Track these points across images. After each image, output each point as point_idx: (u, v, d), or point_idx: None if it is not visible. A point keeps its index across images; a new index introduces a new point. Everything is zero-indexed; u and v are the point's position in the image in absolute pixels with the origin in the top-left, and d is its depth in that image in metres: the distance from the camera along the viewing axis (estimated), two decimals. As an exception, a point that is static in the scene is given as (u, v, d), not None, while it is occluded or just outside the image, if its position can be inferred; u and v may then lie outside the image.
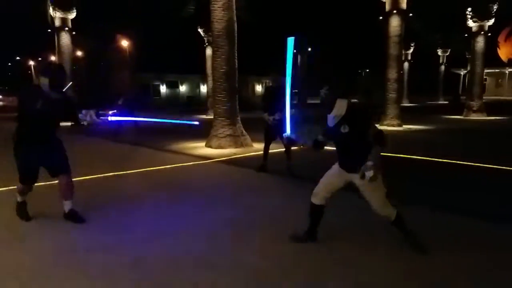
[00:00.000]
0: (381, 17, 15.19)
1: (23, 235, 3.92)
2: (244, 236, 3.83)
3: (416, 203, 4.69)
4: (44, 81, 3.80)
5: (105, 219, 4.37)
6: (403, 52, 34.66)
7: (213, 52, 9.75)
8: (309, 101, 30.78)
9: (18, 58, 46.67)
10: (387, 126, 14.38)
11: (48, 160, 4.01)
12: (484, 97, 20.05)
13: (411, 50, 34.66)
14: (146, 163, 7.61)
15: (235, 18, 9.69)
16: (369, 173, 2.86)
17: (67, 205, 4.18)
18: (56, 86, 3.84)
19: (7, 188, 5.49)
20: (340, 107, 3.14)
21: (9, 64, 54.80)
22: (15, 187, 4.27)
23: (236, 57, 9.86)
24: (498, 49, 40.61)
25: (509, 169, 6.68)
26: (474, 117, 18.60)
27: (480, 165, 7.09)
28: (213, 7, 9.45)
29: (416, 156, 8.13)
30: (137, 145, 10.22)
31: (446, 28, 29.50)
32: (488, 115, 18.77)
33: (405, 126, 14.47)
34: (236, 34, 9.78)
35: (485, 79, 49.29)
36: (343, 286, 2.89)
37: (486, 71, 48.25)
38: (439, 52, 36.15)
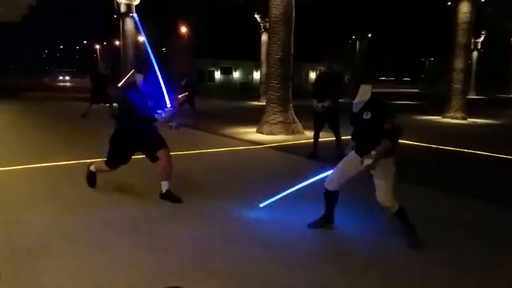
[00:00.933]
0: (449, 3, 14.09)
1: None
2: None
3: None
4: (139, 77, 4.06)
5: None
6: (473, 40, 32.19)
7: (269, 38, 9.77)
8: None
9: (85, 42, 49.93)
10: (451, 119, 13.57)
11: (145, 146, 4.27)
12: None
13: (482, 38, 31.96)
14: (201, 145, 7.86)
15: (293, 4, 9.58)
16: (368, 161, 3.03)
17: (164, 186, 4.30)
18: (149, 82, 4.05)
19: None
20: (364, 92, 3.20)
21: (77, 47, 58.93)
22: (92, 162, 4.67)
23: (292, 44, 9.79)
24: None
25: None
26: (552, 112, 16.90)
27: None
28: (272, -8, 9.40)
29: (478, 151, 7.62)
30: (192, 128, 10.60)
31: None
32: None
33: (470, 120, 13.53)
34: (293, 20, 9.68)
35: None
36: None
37: None
38: (513, 41, 33.01)
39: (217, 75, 42.07)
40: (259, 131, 10.06)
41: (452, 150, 8.02)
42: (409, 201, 4.05)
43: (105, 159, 4.37)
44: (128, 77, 15.58)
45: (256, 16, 21.78)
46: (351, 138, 3.47)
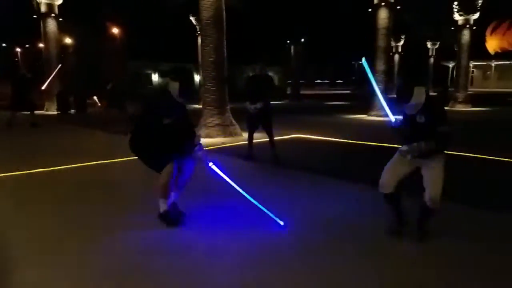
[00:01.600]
0: (370, 9, 15.25)
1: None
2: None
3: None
4: (174, 86, 3.55)
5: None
6: (394, 44, 35.10)
7: (202, 40, 9.84)
8: (302, 92, 30.98)
9: (4, 45, 45.65)
10: (375, 117, 14.63)
11: None
12: (471, 89, 20.52)
13: (402, 42, 34.95)
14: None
15: (223, 7, 9.74)
16: (404, 147, 3.19)
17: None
18: (185, 92, 3.59)
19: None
20: (419, 95, 3.14)
21: (-5, 51, 53.66)
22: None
23: (225, 46, 9.92)
24: (485, 42, 41.24)
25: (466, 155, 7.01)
26: (460, 108, 19.00)
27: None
28: (202, -5, 9.49)
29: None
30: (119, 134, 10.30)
31: (435, 21, 29.76)
32: (473, 106, 19.22)
33: (395, 117, 14.71)
34: (224, 23, 9.83)
35: (473, 72, 50.08)
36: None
37: (473, 63, 49.13)
38: (429, 44, 36.53)
39: (155, 78, 40.89)
40: (196, 134, 10.06)
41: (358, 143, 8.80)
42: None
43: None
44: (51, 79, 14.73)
45: (192, 18, 21.65)
46: (405, 139, 3.30)
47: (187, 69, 3.84)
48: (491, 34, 41.31)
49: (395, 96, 3.28)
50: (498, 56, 42.98)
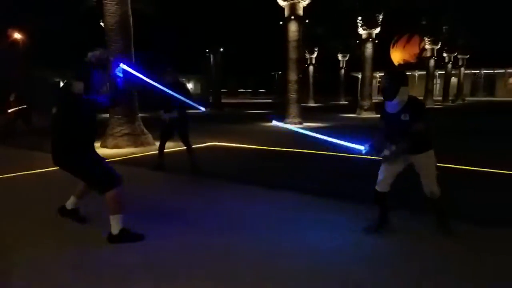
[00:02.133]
0: (281, 22, 15.97)
1: None
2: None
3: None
4: (79, 86, 3.43)
5: None
6: (308, 56, 37.25)
7: (107, 47, 9.34)
8: (224, 101, 31.27)
9: None
10: (290, 124, 15.23)
11: None
12: (379, 98, 22.48)
13: (315, 54, 37.19)
14: (32, 166, 6.99)
15: (130, 12, 9.43)
16: (386, 152, 3.38)
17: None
18: (90, 91, 3.47)
19: None
20: (403, 94, 3.35)
21: None
22: None
23: (132, 53, 9.58)
24: (392, 53, 46.04)
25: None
26: (365, 115, 20.76)
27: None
28: (105, 0, 9.07)
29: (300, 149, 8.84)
30: (23, 148, 9.36)
31: (344, 35, 32.28)
32: (377, 113, 21.05)
33: (305, 124, 15.51)
34: (131, 30, 9.51)
35: (379, 82, 55.25)
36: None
37: (380, 74, 53.99)
38: (340, 56, 39.41)
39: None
40: (103, 145, 9.51)
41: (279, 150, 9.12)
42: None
43: None
44: None
45: (102, 24, 20.51)
46: (378, 133, 3.60)
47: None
48: (393, 47, 46.27)
49: (382, 93, 3.44)
50: (401, 67, 48.13)
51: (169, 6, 20.92)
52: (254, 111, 25.63)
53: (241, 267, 3.07)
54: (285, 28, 15.40)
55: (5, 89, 12.65)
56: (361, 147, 3.62)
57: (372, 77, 22.65)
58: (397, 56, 46.51)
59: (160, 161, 6.79)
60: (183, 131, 6.53)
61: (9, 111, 11.82)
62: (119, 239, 3.47)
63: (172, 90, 6.39)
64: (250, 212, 4.44)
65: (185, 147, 6.64)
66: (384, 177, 3.61)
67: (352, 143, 3.68)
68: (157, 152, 6.97)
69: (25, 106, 11.94)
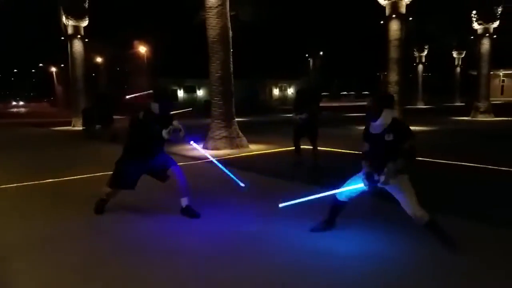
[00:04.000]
0: (382, 22, 15.31)
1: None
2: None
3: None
4: (154, 106, 4.33)
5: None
6: (418, 54, 34.64)
7: (209, 57, 10.26)
8: (325, 105, 31.10)
9: (41, 65, 48.71)
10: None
11: (151, 169, 4.48)
12: (501, 99, 19.95)
13: (425, 52, 34.40)
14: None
15: (229, 25, 10.20)
16: (382, 178, 3.35)
17: (183, 201, 4.53)
18: (164, 111, 4.36)
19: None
20: (387, 116, 3.40)
21: (33, 70, 57.27)
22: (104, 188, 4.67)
23: (231, 62, 10.36)
24: None
25: (476, 166, 6.99)
26: (481, 118, 18.51)
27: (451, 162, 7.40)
28: (208, 14, 10.01)
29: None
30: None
31: (459, 31, 29.22)
32: (496, 116, 18.62)
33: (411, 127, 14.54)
34: (230, 41, 10.28)
35: (503, 81, 48.15)
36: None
37: (503, 72, 47.26)
38: (454, 54, 35.69)
39: (180, 93, 42.29)
40: (205, 147, 10.43)
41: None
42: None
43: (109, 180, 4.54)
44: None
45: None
46: (364, 157, 3.59)
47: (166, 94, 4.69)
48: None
49: (366, 114, 3.50)
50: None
51: (270, 14, 21.75)
52: (353, 114, 24.90)
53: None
54: (386, 27, 14.74)
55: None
56: (361, 185, 3.53)
57: (490, 76, 20.02)
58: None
59: (298, 158, 7.51)
60: (313, 133, 7.27)
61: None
62: None
63: (304, 96, 7.45)
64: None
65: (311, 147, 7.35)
66: (345, 191, 3.64)
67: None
68: (250, 153, 7.60)
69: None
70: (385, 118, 3.37)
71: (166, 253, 3.54)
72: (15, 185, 6.34)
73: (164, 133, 4.17)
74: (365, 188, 3.51)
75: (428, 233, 3.44)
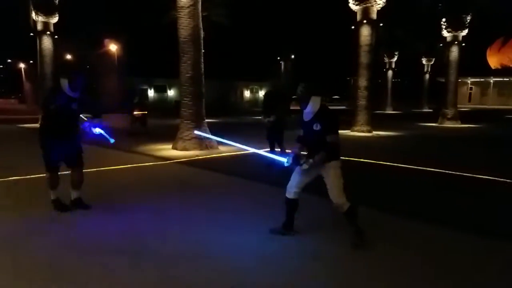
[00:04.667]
0: (353, 27, 15.60)
1: None
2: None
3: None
4: (63, 83, 4.29)
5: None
6: (388, 60, 35.51)
7: (179, 57, 10.10)
8: (295, 108, 31.35)
9: (9, 61, 46.80)
10: (357, 132, 14.78)
11: (65, 153, 4.51)
12: (468, 106, 20.66)
13: (395, 58, 35.32)
14: (108, 162, 7.88)
15: (200, 26, 10.08)
16: (305, 166, 3.49)
17: (74, 194, 4.68)
18: (74, 87, 4.31)
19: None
20: (315, 103, 3.51)
21: (1, 66, 54.96)
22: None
23: (202, 63, 10.22)
24: (488, 56, 41.87)
25: (438, 171, 7.15)
26: (448, 124, 19.11)
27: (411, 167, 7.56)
28: (179, 14, 9.85)
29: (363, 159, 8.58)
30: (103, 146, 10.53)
31: (429, 38, 30.18)
32: (463, 123, 19.30)
33: (375, 132, 14.88)
34: (202, 41, 10.16)
35: (471, 88, 50.24)
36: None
37: (471, 80, 49.27)
38: (424, 60, 36.81)
39: (151, 93, 41.58)
40: (174, 147, 10.28)
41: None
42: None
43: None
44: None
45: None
46: (297, 140, 3.72)
47: (77, 70, 4.75)
48: (489, 50, 42.11)
49: (297, 101, 3.63)
50: (497, 72, 43.34)
51: (242, 16, 21.78)
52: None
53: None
54: (357, 33, 15.01)
55: (131, 92, 15.18)
56: (284, 159, 3.64)
57: (458, 83, 20.75)
58: (493, 60, 42.06)
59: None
60: (279, 134, 7.34)
61: (135, 113, 13.66)
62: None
63: (272, 98, 7.43)
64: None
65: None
66: (291, 186, 3.71)
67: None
68: (219, 155, 7.53)
69: (145, 112, 13.98)
70: (313, 106, 3.50)
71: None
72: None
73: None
74: (287, 164, 3.59)
75: (344, 220, 3.62)
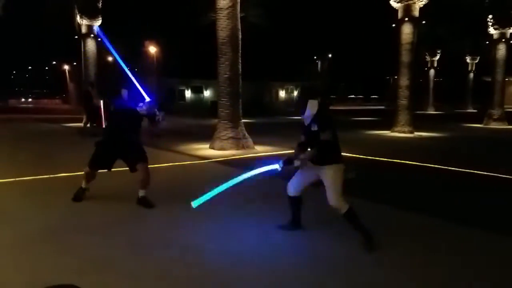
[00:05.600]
0: (394, 25, 15.13)
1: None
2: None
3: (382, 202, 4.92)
4: (124, 93, 4.65)
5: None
6: (430, 59, 34.20)
7: (218, 58, 10.22)
8: (331, 108, 30.93)
9: (54, 62, 49.38)
10: (398, 133, 14.34)
11: (125, 154, 4.75)
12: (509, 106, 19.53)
13: (437, 57, 33.95)
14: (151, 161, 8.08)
15: (239, 27, 10.15)
16: (297, 163, 3.55)
17: (139, 193, 4.82)
18: (133, 98, 4.64)
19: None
20: (312, 106, 3.59)
21: (46, 68, 58.13)
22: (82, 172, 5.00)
23: (239, 64, 10.29)
24: None
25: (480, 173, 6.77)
26: (494, 125, 18.15)
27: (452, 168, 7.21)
28: (218, 16, 9.96)
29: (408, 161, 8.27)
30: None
31: (473, 35, 28.74)
32: (510, 124, 18.25)
33: (417, 133, 14.36)
34: (240, 42, 10.22)
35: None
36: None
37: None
38: (468, 59, 35.13)
39: (188, 93, 42.46)
40: (211, 147, 10.42)
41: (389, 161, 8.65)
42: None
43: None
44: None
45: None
46: (297, 146, 3.77)
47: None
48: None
49: (295, 109, 3.74)
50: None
51: (278, 15, 21.71)
52: (360, 118, 24.68)
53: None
54: (398, 31, 14.55)
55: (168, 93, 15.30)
56: (276, 166, 3.64)
57: (505, 83, 19.62)
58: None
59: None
60: None
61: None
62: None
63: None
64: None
65: None
66: (291, 184, 3.78)
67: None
68: (255, 155, 7.47)
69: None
70: (311, 109, 3.58)
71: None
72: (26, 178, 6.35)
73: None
74: (278, 169, 3.64)
75: (346, 223, 3.58)
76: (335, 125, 3.54)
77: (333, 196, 3.50)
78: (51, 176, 6.60)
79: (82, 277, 2.96)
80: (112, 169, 4.96)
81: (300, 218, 3.92)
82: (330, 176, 3.52)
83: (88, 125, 13.52)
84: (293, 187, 3.80)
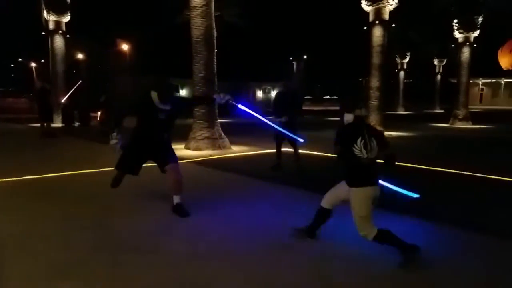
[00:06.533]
0: (365, 27, 15.53)
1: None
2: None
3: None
4: (153, 95, 4.27)
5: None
6: (399, 61, 35.29)
7: (192, 57, 10.19)
8: (307, 108, 31.26)
9: (20, 59, 47.44)
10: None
11: (155, 155, 4.49)
12: (480, 107, 20.47)
13: (407, 59, 35.08)
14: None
15: (213, 26, 10.16)
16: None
17: (174, 199, 4.54)
18: (164, 100, 4.28)
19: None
20: (347, 120, 3.54)
21: (12, 65, 55.75)
22: None
23: (215, 63, 10.30)
24: (499, 57, 41.31)
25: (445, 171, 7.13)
26: (459, 125, 18.97)
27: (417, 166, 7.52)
28: (192, 14, 9.94)
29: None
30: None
31: (441, 39, 29.89)
32: (474, 124, 19.14)
33: (386, 133, 14.74)
34: (214, 41, 10.24)
35: (482, 89, 49.69)
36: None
37: (482, 81, 48.75)
38: (436, 62, 36.52)
39: (163, 93, 41.75)
40: (186, 147, 10.36)
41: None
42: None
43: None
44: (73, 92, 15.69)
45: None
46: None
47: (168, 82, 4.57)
48: (501, 51, 41.55)
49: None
50: (508, 73, 42.79)
51: (254, 16, 21.84)
52: (335, 119, 25.04)
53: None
54: (369, 33, 14.94)
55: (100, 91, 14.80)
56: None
57: (469, 84, 20.56)
58: (505, 61, 41.49)
59: (278, 162, 7.37)
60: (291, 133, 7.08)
61: (99, 114, 13.53)
62: None
63: (284, 99, 7.22)
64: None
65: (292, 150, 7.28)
66: (329, 196, 3.67)
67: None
68: (232, 155, 7.51)
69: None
70: (346, 121, 3.56)
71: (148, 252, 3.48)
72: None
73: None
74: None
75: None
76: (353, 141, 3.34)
77: (356, 222, 3.34)
78: (14, 179, 6.41)
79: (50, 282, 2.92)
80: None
81: (317, 229, 3.81)
82: (352, 200, 3.35)
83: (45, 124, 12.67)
84: (329, 200, 3.66)
